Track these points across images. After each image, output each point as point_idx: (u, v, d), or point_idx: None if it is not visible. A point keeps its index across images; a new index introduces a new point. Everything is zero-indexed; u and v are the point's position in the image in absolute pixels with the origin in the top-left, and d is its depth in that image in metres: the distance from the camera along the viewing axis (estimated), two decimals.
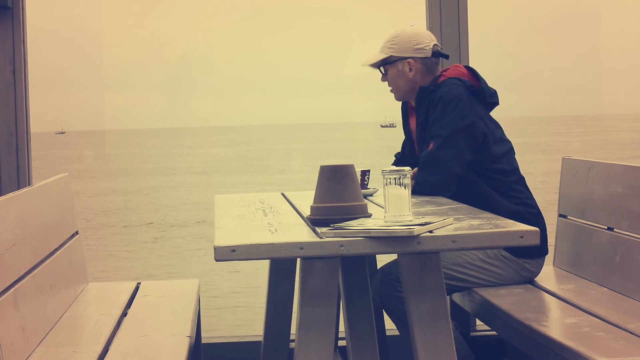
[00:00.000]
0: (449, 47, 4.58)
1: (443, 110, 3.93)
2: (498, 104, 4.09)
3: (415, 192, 3.82)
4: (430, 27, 4.61)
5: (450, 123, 3.91)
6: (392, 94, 4.18)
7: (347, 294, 3.22)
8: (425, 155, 3.94)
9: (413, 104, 4.16)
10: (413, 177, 3.89)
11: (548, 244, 4.01)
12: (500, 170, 3.98)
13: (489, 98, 4.05)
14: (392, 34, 4.12)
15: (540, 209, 4.01)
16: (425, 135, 4.04)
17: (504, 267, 3.95)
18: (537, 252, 3.98)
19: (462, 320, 4.46)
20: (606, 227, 3.88)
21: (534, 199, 4.06)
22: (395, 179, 2.82)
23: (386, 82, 4.16)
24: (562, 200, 4.32)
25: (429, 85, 4.06)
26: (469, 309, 4.05)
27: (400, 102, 4.26)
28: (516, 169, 4.06)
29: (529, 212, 3.95)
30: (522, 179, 4.07)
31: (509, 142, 4.07)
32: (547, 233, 3.99)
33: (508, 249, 3.92)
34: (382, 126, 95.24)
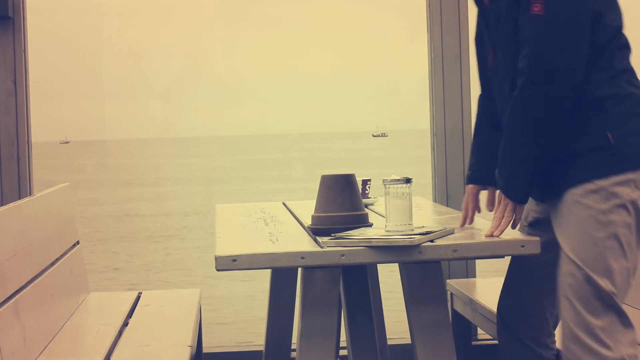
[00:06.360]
0: (450, 54, 4.58)
1: None
2: None
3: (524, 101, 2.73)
4: (431, 35, 4.61)
5: None
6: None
7: (349, 303, 3.23)
8: (534, 17, 2.73)
9: None
10: (523, 76, 2.74)
11: None
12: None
13: None
14: None
15: None
16: None
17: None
18: None
19: (463, 329, 4.45)
20: None
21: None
22: (396, 188, 2.82)
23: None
24: None
25: None
26: (471, 317, 4.05)
27: None
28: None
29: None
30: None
31: None
32: None
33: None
34: (374, 136, 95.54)
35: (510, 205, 2.82)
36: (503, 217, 2.82)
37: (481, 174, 3.08)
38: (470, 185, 3.11)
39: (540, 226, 2.97)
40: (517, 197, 2.83)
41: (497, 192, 2.92)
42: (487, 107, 3.12)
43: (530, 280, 3.07)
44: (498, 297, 3.80)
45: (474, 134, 3.18)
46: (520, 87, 2.74)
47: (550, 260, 2.95)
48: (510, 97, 2.80)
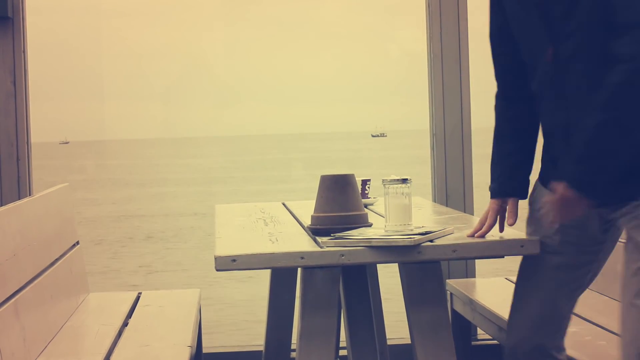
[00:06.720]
0: (449, 55, 4.58)
1: None
2: None
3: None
4: (430, 36, 4.61)
5: None
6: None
7: (348, 304, 3.23)
8: None
9: None
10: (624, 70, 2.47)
11: None
12: None
13: None
14: None
15: None
16: None
17: None
18: None
19: (463, 329, 4.45)
20: None
21: None
22: (395, 188, 2.82)
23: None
24: None
25: None
26: (470, 317, 4.05)
27: None
28: None
29: None
30: None
31: None
32: None
33: None
34: (372, 136, 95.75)
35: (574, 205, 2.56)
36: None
37: (509, 186, 2.84)
38: (494, 200, 2.87)
39: (574, 231, 2.77)
40: (601, 195, 2.56)
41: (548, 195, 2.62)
42: (506, 111, 2.90)
43: (555, 292, 2.84)
44: (497, 297, 3.81)
45: (495, 142, 2.93)
46: (626, 74, 2.45)
47: (568, 266, 2.80)
48: (590, 92, 2.54)
